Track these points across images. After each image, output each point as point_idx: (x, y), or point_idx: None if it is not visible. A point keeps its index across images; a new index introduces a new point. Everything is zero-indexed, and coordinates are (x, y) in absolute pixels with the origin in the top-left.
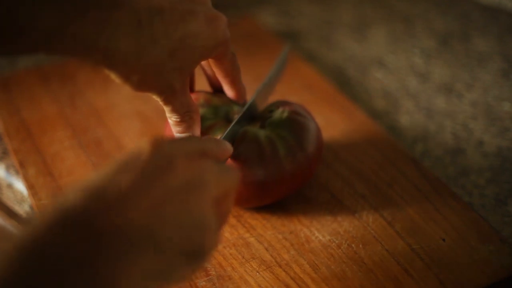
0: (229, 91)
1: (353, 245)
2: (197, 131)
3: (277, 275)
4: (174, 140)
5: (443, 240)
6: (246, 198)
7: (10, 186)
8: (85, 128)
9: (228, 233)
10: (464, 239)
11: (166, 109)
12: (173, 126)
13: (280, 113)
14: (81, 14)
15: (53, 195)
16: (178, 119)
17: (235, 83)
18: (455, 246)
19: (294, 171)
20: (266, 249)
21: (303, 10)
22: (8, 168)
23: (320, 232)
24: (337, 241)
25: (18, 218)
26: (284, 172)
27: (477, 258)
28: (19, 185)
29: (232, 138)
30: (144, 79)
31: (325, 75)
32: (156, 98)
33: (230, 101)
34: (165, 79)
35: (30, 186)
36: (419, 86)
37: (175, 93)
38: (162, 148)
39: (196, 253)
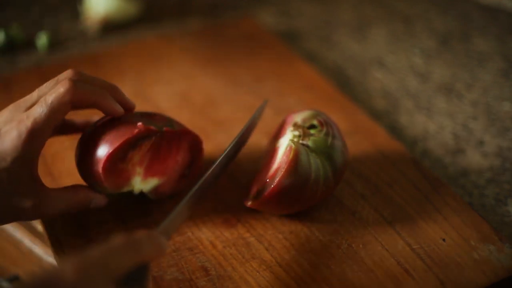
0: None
1: (353, 245)
2: None
3: (278, 275)
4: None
5: (443, 240)
6: (267, 206)
7: None
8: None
9: (228, 233)
10: (464, 239)
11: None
12: None
13: (324, 136)
14: None
15: None
16: None
17: (103, 106)
18: (455, 246)
19: (322, 196)
20: (266, 249)
21: (303, 10)
22: None
23: (320, 232)
24: (337, 241)
25: None
26: (314, 197)
27: (477, 258)
28: None
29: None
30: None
31: (325, 75)
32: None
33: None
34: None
35: None
36: (419, 86)
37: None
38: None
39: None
